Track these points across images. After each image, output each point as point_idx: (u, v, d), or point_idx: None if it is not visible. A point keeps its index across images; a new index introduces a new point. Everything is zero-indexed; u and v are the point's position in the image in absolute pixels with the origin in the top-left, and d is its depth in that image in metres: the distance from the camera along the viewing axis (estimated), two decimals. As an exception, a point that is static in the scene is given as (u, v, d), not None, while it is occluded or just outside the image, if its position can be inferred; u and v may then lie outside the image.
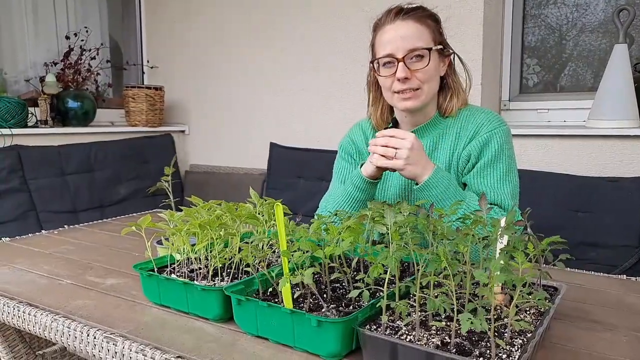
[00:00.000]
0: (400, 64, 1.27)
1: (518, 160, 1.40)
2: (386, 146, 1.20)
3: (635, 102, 2.13)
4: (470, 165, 1.32)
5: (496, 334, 0.79)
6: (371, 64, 1.37)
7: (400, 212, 0.93)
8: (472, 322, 0.72)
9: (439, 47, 1.31)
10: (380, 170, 1.25)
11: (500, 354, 0.74)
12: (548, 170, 2.21)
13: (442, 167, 1.36)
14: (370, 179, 1.28)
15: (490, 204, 1.27)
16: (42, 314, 1.06)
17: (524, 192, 1.38)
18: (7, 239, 1.69)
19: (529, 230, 0.94)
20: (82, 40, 3.15)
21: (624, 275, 1.29)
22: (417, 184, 1.22)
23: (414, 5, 1.32)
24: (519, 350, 0.75)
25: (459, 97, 1.37)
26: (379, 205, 1.05)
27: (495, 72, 2.49)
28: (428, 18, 1.31)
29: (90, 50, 3.16)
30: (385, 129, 1.44)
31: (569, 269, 1.35)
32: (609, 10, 2.31)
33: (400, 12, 1.30)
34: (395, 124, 1.45)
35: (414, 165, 1.19)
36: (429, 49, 1.28)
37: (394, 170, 1.23)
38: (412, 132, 1.37)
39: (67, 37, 3.12)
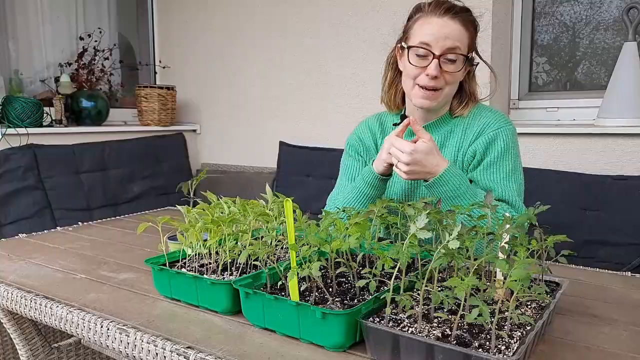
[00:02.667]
0: (435, 60, 1.26)
1: (527, 159, 1.42)
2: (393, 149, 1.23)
3: (644, 100, 2.12)
4: (476, 162, 1.34)
5: (497, 326, 0.81)
6: (400, 46, 1.35)
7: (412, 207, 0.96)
8: (478, 316, 0.74)
9: (471, 55, 1.33)
10: (391, 166, 1.28)
11: (499, 346, 0.76)
12: (557, 169, 2.22)
13: None
14: (382, 176, 1.30)
15: (498, 199, 1.28)
16: (57, 306, 1.09)
17: (533, 190, 1.39)
18: (24, 235, 1.74)
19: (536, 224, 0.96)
20: (96, 41, 3.21)
21: (629, 273, 1.30)
22: (426, 181, 1.24)
23: (462, 6, 1.31)
24: (518, 342, 0.77)
25: (472, 103, 1.40)
26: (385, 202, 1.08)
27: (504, 70, 2.50)
28: (471, 24, 1.31)
29: (103, 50, 3.22)
30: (395, 124, 1.46)
31: (573, 265, 1.36)
32: (623, 7, 2.29)
33: (451, 10, 1.28)
34: (404, 116, 1.45)
35: (417, 175, 1.22)
36: (466, 56, 1.29)
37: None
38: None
39: (81, 38, 3.18)
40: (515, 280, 0.77)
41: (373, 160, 1.32)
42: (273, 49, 3.09)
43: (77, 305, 1.10)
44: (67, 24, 3.23)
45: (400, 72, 1.40)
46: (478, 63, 1.38)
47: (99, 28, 3.27)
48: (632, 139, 2.09)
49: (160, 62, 3.62)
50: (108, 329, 0.99)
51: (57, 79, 3.02)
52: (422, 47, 1.27)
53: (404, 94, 1.44)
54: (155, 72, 3.65)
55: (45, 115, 2.82)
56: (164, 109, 3.29)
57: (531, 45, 2.54)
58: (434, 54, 1.26)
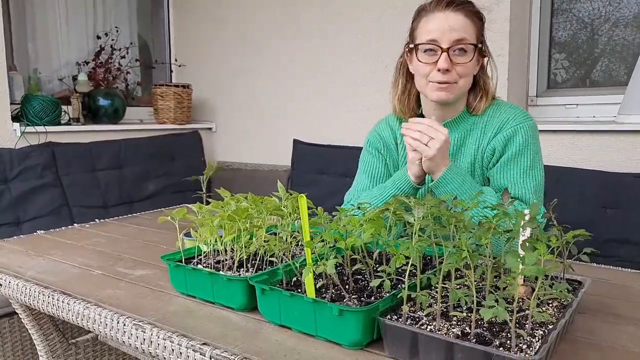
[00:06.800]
0: (444, 54, 1.25)
1: (546, 156, 1.39)
2: (421, 132, 1.21)
3: (667, 97, 2.07)
4: (495, 160, 1.32)
5: (517, 325, 0.79)
6: (407, 48, 1.36)
7: (424, 205, 0.94)
8: (494, 312, 0.72)
9: (480, 45, 1.31)
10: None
11: (520, 345, 0.75)
12: (576, 166, 2.18)
13: (468, 162, 1.36)
14: (417, 182, 1.28)
15: (512, 197, 1.26)
16: (75, 302, 1.10)
17: (552, 188, 1.37)
18: (42, 231, 1.76)
19: (554, 222, 0.94)
20: (113, 40, 3.23)
21: (652, 272, 1.27)
22: (431, 180, 1.23)
23: None
24: (540, 341, 0.75)
25: (488, 98, 1.37)
26: (403, 199, 1.06)
27: (522, 67, 2.46)
28: (476, 15, 1.31)
29: (120, 49, 3.24)
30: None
31: (595, 264, 1.34)
32: (643, 5, 2.25)
33: (452, 3, 1.28)
34: (422, 116, 1.44)
35: (441, 159, 1.20)
36: (475, 45, 1.28)
37: (420, 158, 1.24)
38: None
39: (98, 37, 3.21)
40: (535, 278, 0.75)
41: (404, 167, 1.31)
42: (287, 47, 3.09)
43: (93, 301, 1.10)
44: (84, 23, 3.26)
45: (412, 77, 1.39)
46: (488, 56, 1.36)
47: (116, 27, 3.30)
48: (655, 135, 2.05)
49: (176, 60, 3.64)
50: (124, 325, 0.99)
51: (74, 78, 3.05)
52: (429, 44, 1.27)
53: (417, 98, 1.43)
54: (171, 71, 3.67)
55: (63, 113, 2.85)
56: (179, 107, 3.31)
57: (549, 41, 2.50)
58: (441, 48, 1.26)
